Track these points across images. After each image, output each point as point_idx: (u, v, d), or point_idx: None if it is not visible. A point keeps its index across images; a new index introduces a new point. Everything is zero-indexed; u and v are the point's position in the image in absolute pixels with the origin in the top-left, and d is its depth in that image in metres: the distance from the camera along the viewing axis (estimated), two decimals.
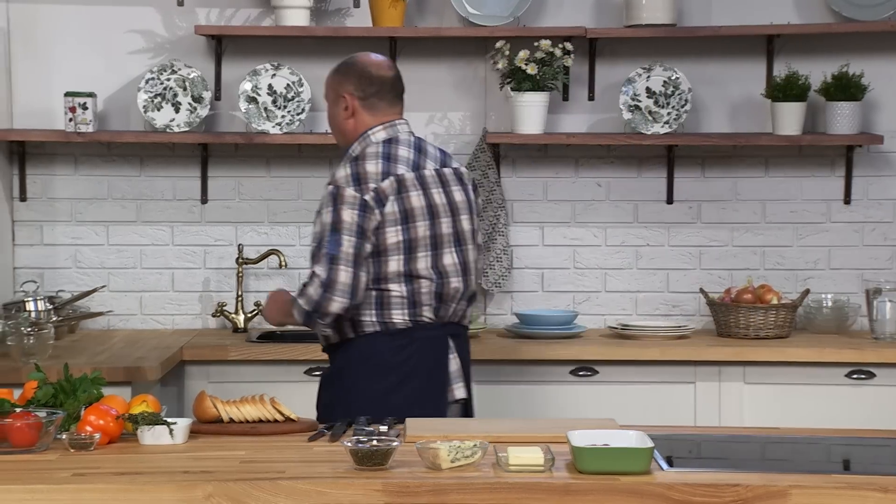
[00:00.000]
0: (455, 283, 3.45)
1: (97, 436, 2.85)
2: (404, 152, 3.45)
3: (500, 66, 4.56)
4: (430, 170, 3.46)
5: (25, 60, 4.66)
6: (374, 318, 3.41)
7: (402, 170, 3.41)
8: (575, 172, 4.80)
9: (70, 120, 4.52)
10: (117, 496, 2.56)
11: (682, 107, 4.65)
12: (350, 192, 3.34)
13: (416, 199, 3.40)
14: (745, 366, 4.35)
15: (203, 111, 4.62)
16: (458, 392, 3.49)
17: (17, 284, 4.67)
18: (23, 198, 4.70)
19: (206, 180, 4.75)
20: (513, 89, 4.58)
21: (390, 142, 3.45)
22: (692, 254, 4.81)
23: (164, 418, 2.93)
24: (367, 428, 2.99)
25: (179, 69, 4.62)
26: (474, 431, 2.93)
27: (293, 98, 4.61)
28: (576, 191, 4.80)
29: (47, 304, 4.40)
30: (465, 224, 3.49)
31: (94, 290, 4.63)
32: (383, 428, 3.00)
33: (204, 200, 4.76)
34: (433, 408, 3.42)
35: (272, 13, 4.63)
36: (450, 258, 3.44)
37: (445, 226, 3.44)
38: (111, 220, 4.75)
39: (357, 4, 4.70)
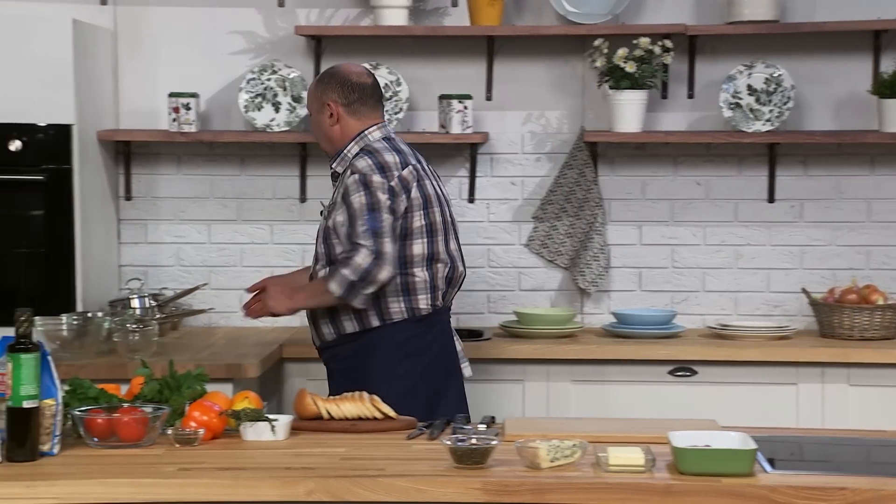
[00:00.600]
0: (460, 267, 3.72)
1: (201, 431, 2.90)
2: (404, 147, 3.71)
3: (598, 64, 4.53)
4: (424, 163, 3.72)
5: (131, 62, 4.75)
6: (402, 305, 3.59)
7: (412, 160, 3.66)
8: (673, 171, 4.75)
9: (174, 120, 4.60)
10: (221, 491, 2.60)
11: (785, 104, 4.57)
12: (377, 178, 3.56)
13: (429, 187, 3.66)
14: (850, 367, 4.26)
15: (302, 111, 4.66)
16: (466, 371, 3.76)
17: (122, 282, 4.77)
18: (128, 197, 4.80)
19: (305, 179, 4.80)
20: (611, 87, 4.55)
21: (388, 139, 3.69)
22: (794, 253, 4.74)
23: (266, 415, 2.96)
24: (465, 426, 3.00)
25: (279, 69, 4.67)
26: (573, 431, 2.92)
27: (391, 97, 4.64)
28: (674, 189, 4.75)
29: (151, 302, 4.48)
30: (453, 213, 3.78)
31: (196, 288, 4.70)
32: (481, 427, 3.00)
33: (303, 199, 4.81)
34: (455, 389, 3.67)
35: (371, 13, 4.66)
36: (454, 243, 3.72)
37: (447, 213, 3.71)
38: (213, 218, 4.82)
39: (455, 3, 4.70)
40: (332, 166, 3.70)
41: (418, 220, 3.59)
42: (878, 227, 4.70)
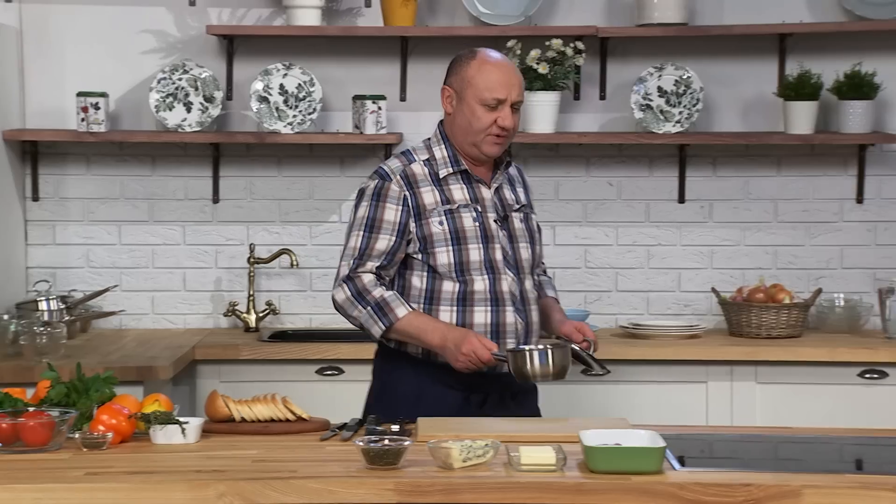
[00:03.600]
0: None
1: (109, 435, 2.86)
2: None
3: None
4: None
5: (38, 60, 4.67)
6: None
7: None
8: (586, 172, 4.79)
9: (82, 120, 4.53)
10: (130, 495, 2.57)
11: (694, 106, 4.64)
12: None
13: None
14: (757, 365, 4.34)
15: (214, 111, 4.62)
16: None
17: (29, 284, 4.69)
18: (35, 198, 4.72)
19: (218, 180, 4.76)
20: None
21: None
22: (704, 253, 4.81)
23: (177, 417, 2.93)
24: (378, 427, 3.00)
25: (191, 69, 4.63)
26: (486, 431, 2.93)
27: (304, 98, 4.62)
28: (587, 190, 4.79)
29: (60, 304, 4.41)
30: None
31: (107, 290, 4.64)
32: (394, 427, 3.00)
33: (215, 200, 4.77)
34: None
35: (284, 13, 4.63)
36: None
37: None
38: (123, 219, 4.76)
39: (368, 4, 4.70)
40: (502, 164, 3.37)
41: None
42: (785, 227, 4.79)
